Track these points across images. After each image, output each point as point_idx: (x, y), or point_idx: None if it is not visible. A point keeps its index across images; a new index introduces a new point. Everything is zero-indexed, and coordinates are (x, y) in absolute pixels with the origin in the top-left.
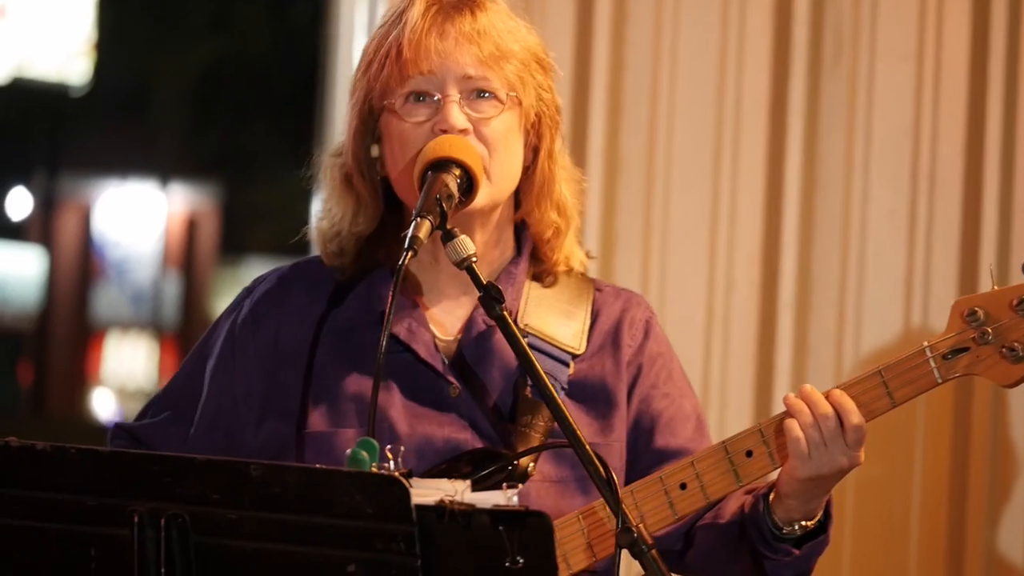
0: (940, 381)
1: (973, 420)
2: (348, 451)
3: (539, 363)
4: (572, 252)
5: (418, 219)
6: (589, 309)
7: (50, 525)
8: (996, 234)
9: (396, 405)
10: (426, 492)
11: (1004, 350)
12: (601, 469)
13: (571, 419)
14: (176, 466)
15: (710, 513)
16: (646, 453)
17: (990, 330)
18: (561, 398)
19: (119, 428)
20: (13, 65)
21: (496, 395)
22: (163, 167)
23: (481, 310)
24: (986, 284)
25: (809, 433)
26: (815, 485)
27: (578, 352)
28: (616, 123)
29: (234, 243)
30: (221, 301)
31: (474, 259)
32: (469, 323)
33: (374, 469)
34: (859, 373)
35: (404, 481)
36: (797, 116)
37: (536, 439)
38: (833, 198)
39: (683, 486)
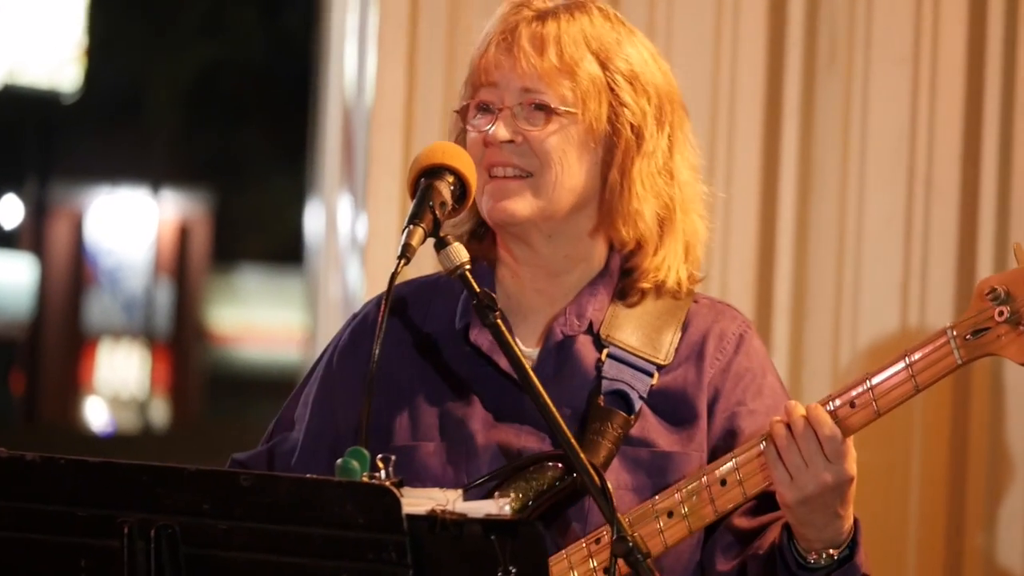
0: (960, 362)
1: (971, 425)
2: (338, 460)
3: (619, 373)
4: (663, 269)
5: (410, 227)
6: (681, 322)
7: (40, 536)
8: (993, 239)
9: (476, 416)
10: (417, 502)
11: (1022, 328)
12: (596, 478)
13: (563, 424)
14: (166, 476)
15: (757, 543)
16: None
17: (1009, 308)
18: (638, 408)
19: (232, 462)
20: (4, 72)
21: (573, 405)
22: (155, 174)
23: (559, 320)
24: None
25: (786, 457)
26: (810, 508)
27: (663, 363)
28: None
29: (227, 250)
30: (214, 309)
31: (467, 267)
32: (548, 334)
33: (365, 479)
34: (885, 361)
35: (395, 491)
36: (792, 119)
37: (605, 446)
38: (828, 203)
39: (723, 483)
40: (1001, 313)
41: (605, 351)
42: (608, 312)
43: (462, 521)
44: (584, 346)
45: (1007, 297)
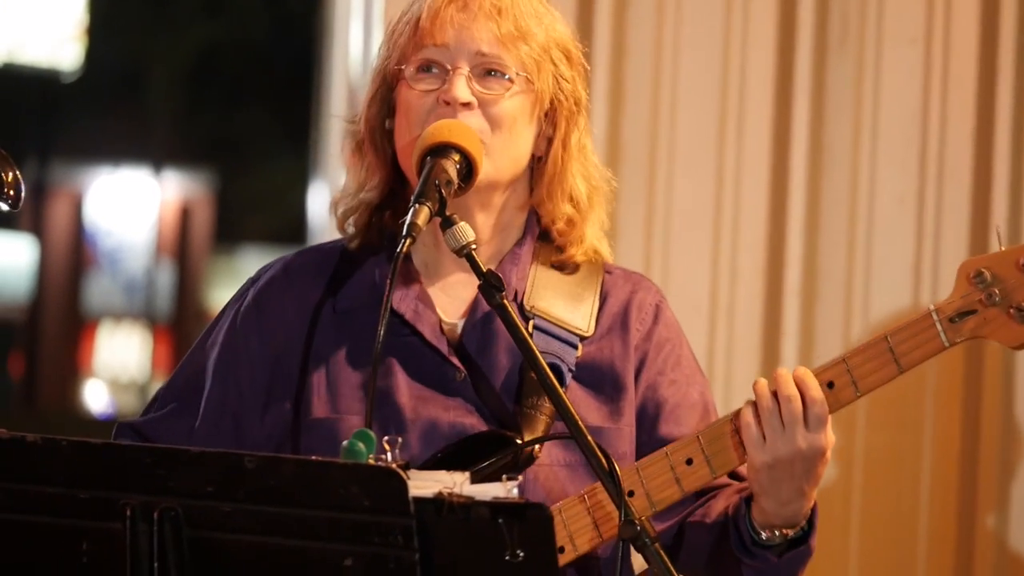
0: (947, 345)
1: (983, 407)
2: (344, 442)
3: (547, 345)
4: (596, 245)
5: (416, 205)
6: (598, 291)
7: (41, 519)
8: (1006, 220)
9: (401, 389)
10: (424, 484)
11: (1012, 311)
12: (604, 461)
13: (573, 411)
14: (169, 458)
15: (700, 510)
16: (650, 441)
17: (997, 291)
18: (568, 382)
19: (123, 427)
20: (3, 50)
21: (502, 377)
22: (156, 154)
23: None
24: None
25: (764, 416)
26: (776, 476)
27: (586, 334)
28: (617, 108)
29: (229, 231)
30: (216, 291)
31: (474, 246)
32: (474, 305)
33: (371, 461)
34: (864, 341)
35: (402, 473)
36: (803, 100)
37: (542, 420)
38: (840, 184)
39: (689, 461)
40: (990, 296)
41: (531, 322)
42: (528, 280)
43: (469, 504)
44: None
45: (993, 279)
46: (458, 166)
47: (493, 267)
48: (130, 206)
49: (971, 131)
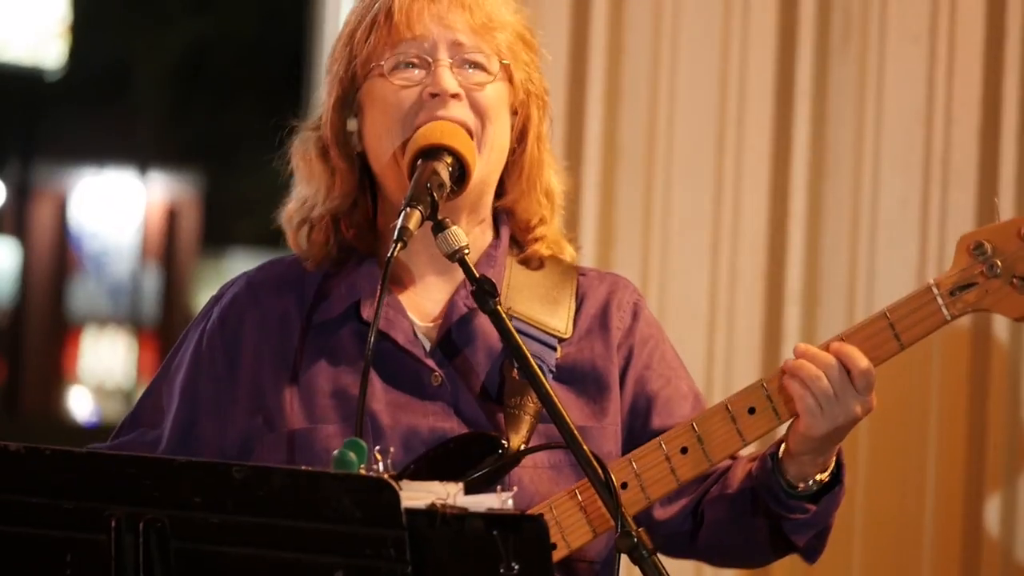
0: (948, 318)
1: (988, 407)
2: (335, 452)
3: (528, 346)
4: (558, 239)
5: (407, 209)
6: (574, 293)
7: (24, 530)
8: None
9: (377, 396)
10: (417, 495)
11: (1016, 280)
12: (600, 471)
13: (568, 418)
14: (155, 468)
15: (716, 487)
16: (644, 434)
17: (998, 262)
18: (550, 382)
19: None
20: None
21: (482, 379)
22: (142, 155)
23: (462, 293)
24: None
25: (816, 388)
26: (832, 440)
27: (565, 336)
28: (614, 108)
29: (217, 234)
30: (203, 295)
31: (466, 251)
32: (449, 307)
33: (362, 471)
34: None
35: (394, 484)
36: (804, 100)
37: (526, 420)
38: (842, 186)
39: (684, 450)
40: (991, 268)
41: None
42: (503, 283)
43: (463, 516)
44: (486, 320)
45: (994, 251)
46: (451, 169)
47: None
48: (115, 208)
49: (976, 132)
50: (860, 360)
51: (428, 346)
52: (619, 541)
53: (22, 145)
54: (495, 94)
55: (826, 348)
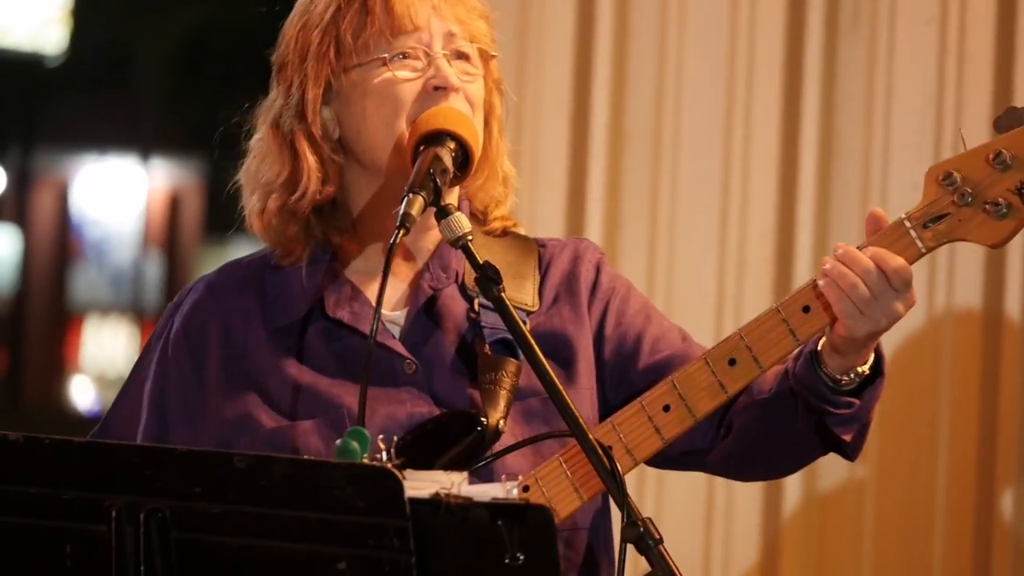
0: (924, 251)
1: (1000, 400)
2: (337, 441)
3: (496, 322)
4: (511, 217)
5: (410, 195)
6: (536, 265)
7: (23, 520)
8: None
9: (352, 391)
10: (421, 485)
11: (988, 206)
12: (605, 460)
13: (572, 405)
14: (156, 458)
15: (744, 396)
16: (638, 376)
17: (969, 190)
18: (521, 356)
19: None
20: None
21: (451, 359)
22: (144, 141)
23: (426, 277)
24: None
25: (855, 292)
26: (872, 337)
27: (532, 309)
28: (621, 93)
29: (220, 222)
30: None
31: (470, 237)
32: (415, 293)
33: (365, 460)
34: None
35: (397, 473)
36: (813, 84)
37: (503, 395)
38: (851, 171)
39: (667, 408)
40: (962, 196)
41: (476, 300)
42: (467, 262)
43: (467, 505)
44: (452, 299)
45: (964, 180)
46: (454, 154)
47: (428, 255)
48: (117, 195)
49: (988, 116)
50: (892, 260)
51: (397, 334)
52: (625, 531)
53: (23, 132)
54: (481, 87)
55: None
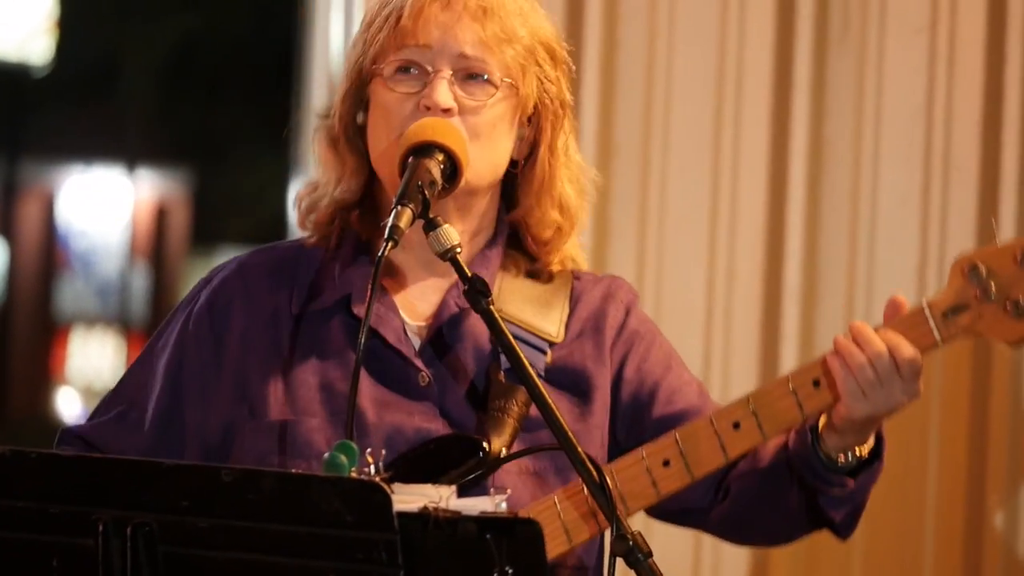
0: (940, 341)
1: (990, 408)
2: (325, 455)
3: (517, 346)
4: (574, 253)
5: (398, 207)
6: (568, 297)
7: (9, 534)
8: (1015, 219)
9: (365, 393)
10: (409, 498)
11: (1009, 305)
12: (595, 473)
13: (561, 418)
14: (143, 471)
15: (745, 461)
16: (651, 424)
17: (993, 285)
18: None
19: (66, 434)
20: None
21: (469, 380)
22: (131, 152)
23: (454, 293)
24: None
25: (862, 374)
26: (872, 421)
27: (556, 340)
28: (609, 103)
29: (207, 233)
30: None
31: (458, 250)
32: (441, 307)
33: (353, 474)
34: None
35: (386, 487)
36: (802, 94)
37: (509, 424)
38: (841, 182)
39: (666, 463)
40: (985, 291)
41: None
42: (496, 284)
43: (456, 519)
44: (477, 320)
45: (989, 274)
46: (442, 166)
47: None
48: (103, 206)
49: (978, 126)
50: (906, 349)
51: (418, 345)
52: (615, 544)
53: (8, 142)
54: (492, 114)
55: (877, 332)
